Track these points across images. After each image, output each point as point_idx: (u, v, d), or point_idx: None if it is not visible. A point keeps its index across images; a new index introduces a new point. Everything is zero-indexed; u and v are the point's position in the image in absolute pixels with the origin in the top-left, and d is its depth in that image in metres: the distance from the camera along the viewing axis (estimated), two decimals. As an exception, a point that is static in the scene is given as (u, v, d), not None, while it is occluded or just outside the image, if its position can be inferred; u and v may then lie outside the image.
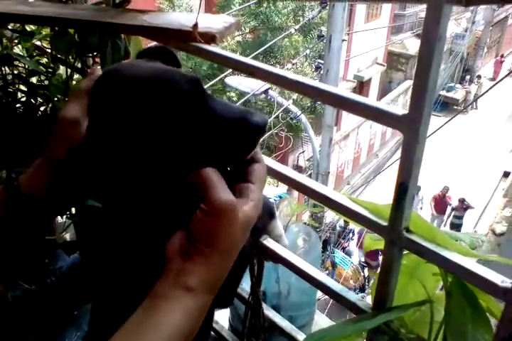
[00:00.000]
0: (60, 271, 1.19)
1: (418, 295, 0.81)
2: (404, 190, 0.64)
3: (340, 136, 13.69)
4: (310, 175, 10.16)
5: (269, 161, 0.84)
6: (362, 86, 15.47)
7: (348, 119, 14.43)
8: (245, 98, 7.52)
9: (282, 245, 0.86)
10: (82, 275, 1.13)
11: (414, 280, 0.82)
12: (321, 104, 8.86)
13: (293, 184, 0.80)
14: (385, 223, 0.69)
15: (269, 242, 0.87)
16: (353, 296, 0.78)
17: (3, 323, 1.05)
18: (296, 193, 9.71)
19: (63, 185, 0.67)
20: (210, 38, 0.90)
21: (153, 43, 0.96)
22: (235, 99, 9.21)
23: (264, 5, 10.45)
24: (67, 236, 1.27)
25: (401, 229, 0.67)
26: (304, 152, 10.90)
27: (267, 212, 0.87)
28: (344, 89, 0.70)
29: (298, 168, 11.91)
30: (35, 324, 1.08)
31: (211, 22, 0.94)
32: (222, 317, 1.16)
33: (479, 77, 20.10)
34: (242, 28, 10.19)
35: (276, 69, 0.77)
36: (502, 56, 21.47)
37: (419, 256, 0.67)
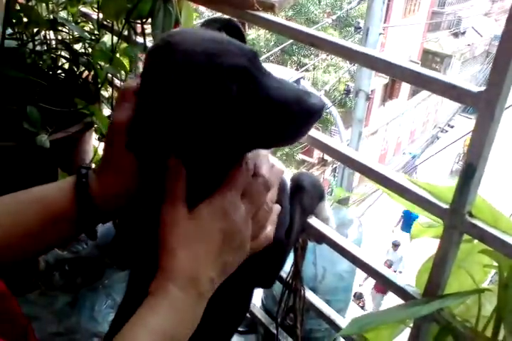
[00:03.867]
0: (93, 239, 1.18)
1: (463, 287, 0.78)
2: (472, 171, 0.61)
3: (368, 132, 13.57)
4: (335, 169, 10.11)
5: (328, 139, 0.81)
6: (394, 83, 15.27)
7: (378, 115, 14.29)
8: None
9: (330, 227, 0.84)
10: (115, 245, 1.12)
11: (461, 271, 0.79)
12: (352, 98, 8.76)
13: (349, 163, 0.77)
14: (446, 206, 0.65)
15: (314, 221, 0.84)
16: (401, 281, 0.75)
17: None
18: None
19: (127, 193, 0.68)
20: (269, 6, 0.86)
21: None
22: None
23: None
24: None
25: (464, 213, 0.63)
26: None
27: (317, 194, 0.84)
28: (417, 65, 0.67)
29: (323, 161, 11.86)
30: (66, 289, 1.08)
31: (270, -9, 0.91)
32: (255, 296, 1.14)
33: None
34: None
35: (341, 40, 0.74)
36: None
37: (482, 242, 0.63)
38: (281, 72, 7.16)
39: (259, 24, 0.87)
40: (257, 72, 0.59)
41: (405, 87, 16.44)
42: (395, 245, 9.20)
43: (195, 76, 0.56)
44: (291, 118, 0.60)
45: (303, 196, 0.81)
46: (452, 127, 16.79)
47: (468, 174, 0.61)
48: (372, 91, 6.99)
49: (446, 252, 0.67)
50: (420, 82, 0.64)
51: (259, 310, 1.08)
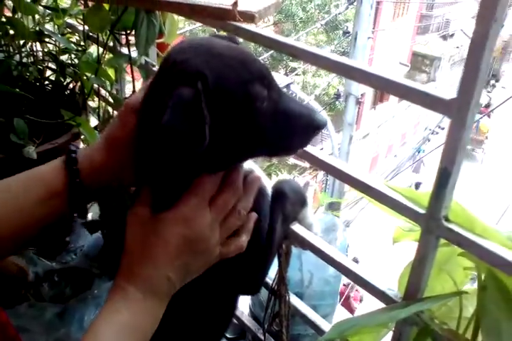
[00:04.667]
0: (81, 249, 1.19)
1: (445, 289, 0.79)
2: (446, 176, 0.62)
3: (359, 135, 13.60)
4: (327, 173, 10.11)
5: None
6: (384, 86, 15.32)
7: (368, 119, 14.33)
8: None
9: (313, 233, 0.85)
10: (104, 255, 1.12)
11: (443, 274, 0.80)
12: (341, 102, 8.79)
13: (327, 168, 0.78)
14: (422, 211, 0.66)
15: (297, 228, 0.85)
16: (382, 285, 0.76)
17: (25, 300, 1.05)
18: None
19: (117, 168, 0.70)
20: (250, 17, 0.88)
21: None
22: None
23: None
24: (90, 216, 1.27)
25: (440, 218, 0.64)
26: (322, 149, 10.86)
27: (299, 200, 0.85)
28: (392, 73, 0.68)
29: (315, 165, 11.86)
30: (56, 300, 1.08)
31: (251, 1, 0.92)
32: (242, 303, 1.15)
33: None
34: (266, 21, 10.19)
35: (320, 51, 0.75)
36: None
37: (458, 246, 0.64)
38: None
39: (241, 35, 0.88)
40: (276, 83, 0.65)
41: (395, 90, 16.48)
42: (356, 262, 9.12)
43: (233, 80, 0.60)
44: (302, 130, 0.65)
45: (284, 203, 0.82)
46: (443, 129, 16.85)
47: (443, 178, 0.62)
48: (362, 94, 7.03)
49: (424, 256, 0.69)
50: (394, 91, 0.66)
51: (247, 317, 1.08)
